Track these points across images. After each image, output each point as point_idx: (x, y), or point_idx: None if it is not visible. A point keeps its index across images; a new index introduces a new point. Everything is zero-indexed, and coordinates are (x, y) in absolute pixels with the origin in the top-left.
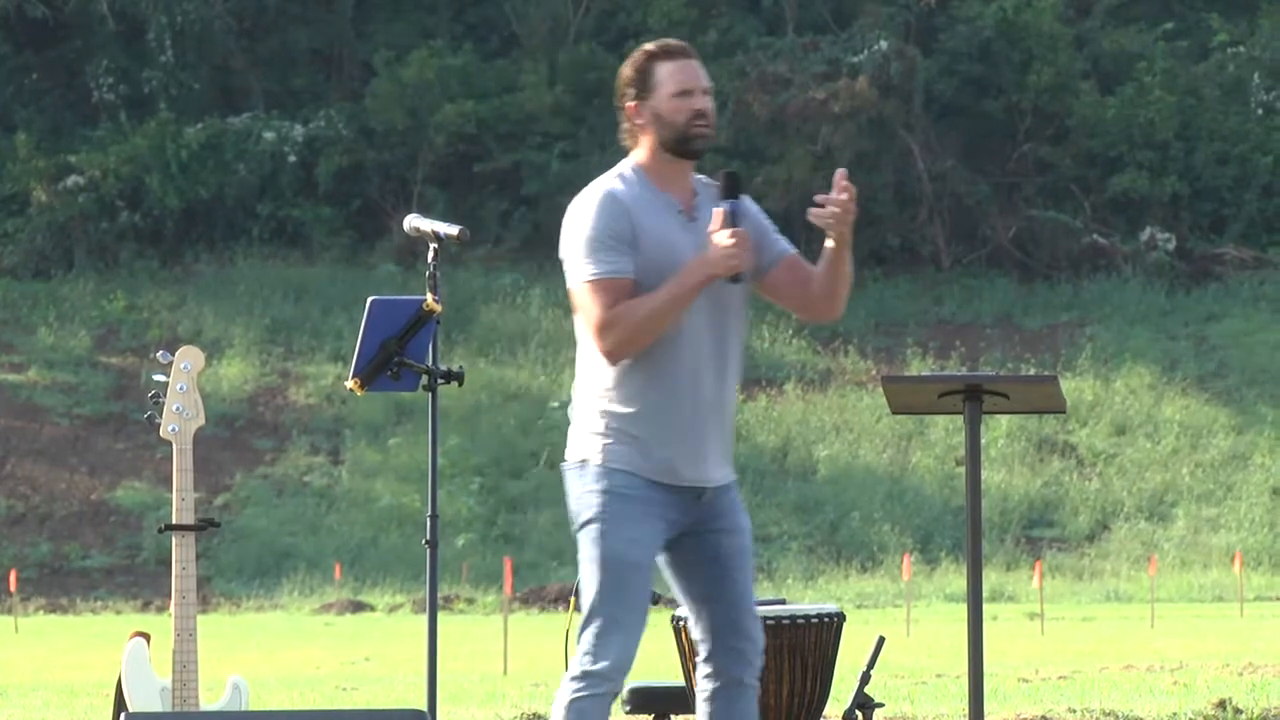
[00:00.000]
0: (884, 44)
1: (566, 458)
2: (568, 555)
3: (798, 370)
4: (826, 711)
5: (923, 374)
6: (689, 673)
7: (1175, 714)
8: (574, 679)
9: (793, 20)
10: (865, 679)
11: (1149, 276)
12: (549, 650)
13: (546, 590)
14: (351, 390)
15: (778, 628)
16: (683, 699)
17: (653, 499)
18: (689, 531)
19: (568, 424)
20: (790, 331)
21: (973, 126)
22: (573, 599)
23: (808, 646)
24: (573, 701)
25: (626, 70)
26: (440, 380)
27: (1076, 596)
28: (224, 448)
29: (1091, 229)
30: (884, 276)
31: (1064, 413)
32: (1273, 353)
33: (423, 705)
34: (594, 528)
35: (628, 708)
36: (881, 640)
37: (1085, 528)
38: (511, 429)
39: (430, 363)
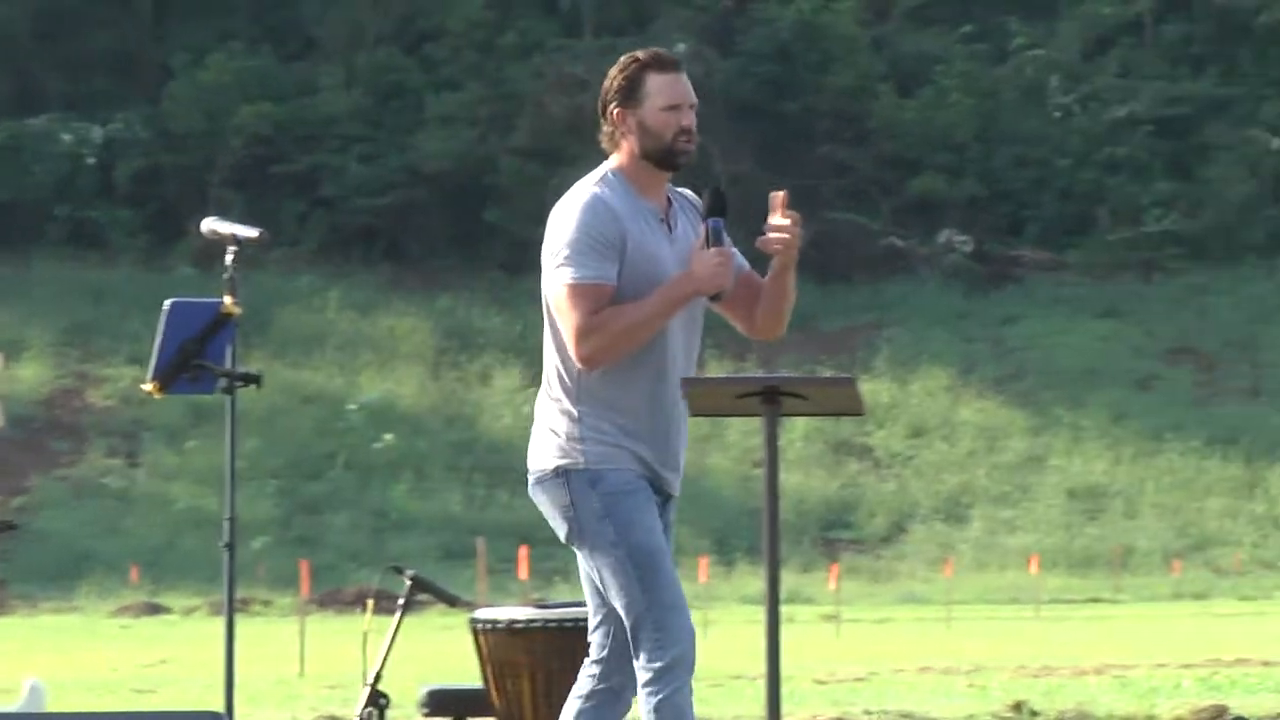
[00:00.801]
0: (682, 46)
1: (538, 468)
2: (365, 557)
3: None
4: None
5: (720, 376)
6: (487, 676)
7: (971, 715)
8: (651, 682)
9: (591, 22)
10: None
11: (946, 279)
12: (345, 652)
13: (343, 592)
14: (150, 393)
15: (575, 631)
16: (481, 701)
17: (646, 490)
18: None
19: (364, 426)
20: None
21: (771, 128)
22: (370, 601)
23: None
24: (663, 702)
25: (615, 76)
26: (238, 383)
27: (873, 598)
28: (21, 450)
29: (889, 231)
30: None
31: (862, 415)
32: (1069, 355)
33: (220, 707)
34: (606, 531)
35: (426, 710)
36: None
37: (882, 529)
38: (308, 431)
39: (228, 365)
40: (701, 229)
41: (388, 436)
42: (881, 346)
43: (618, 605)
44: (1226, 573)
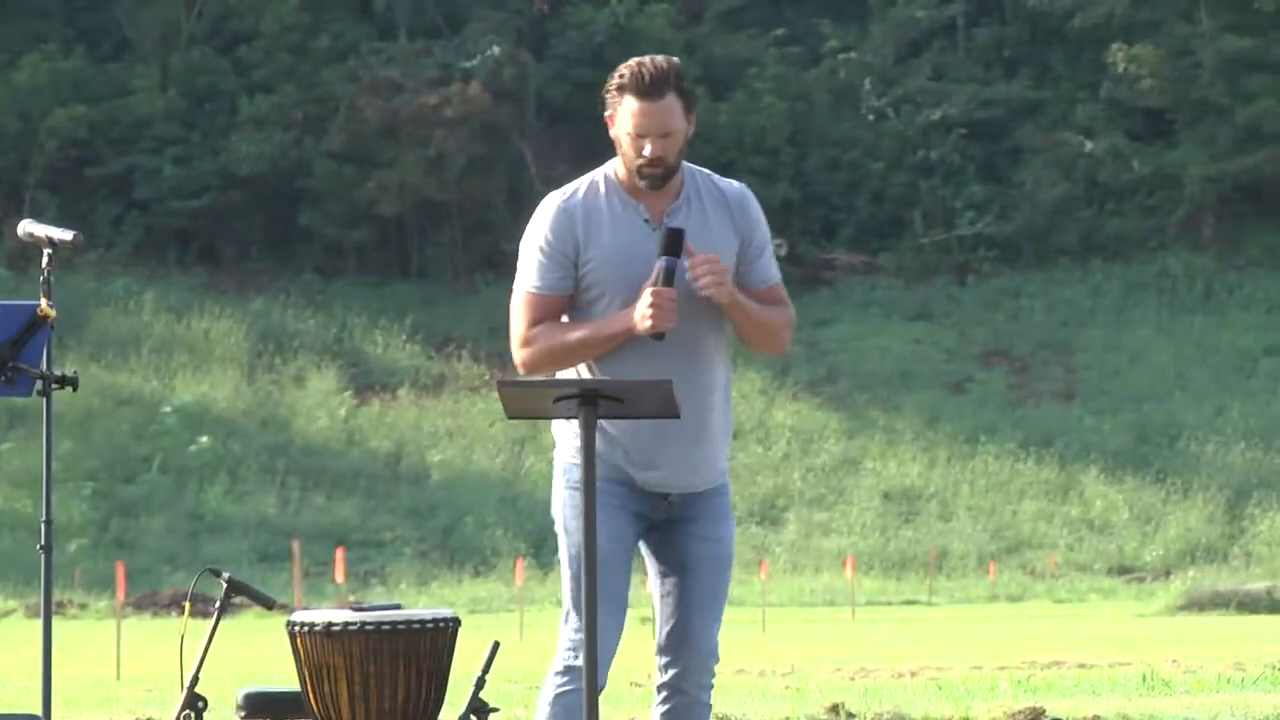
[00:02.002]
0: (496, 49)
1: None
2: (181, 560)
3: (411, 375)
4: (441, 717)
5: (539, 378)
6: (304, 678)
7: (788, 718)
8: (558, 674)
9: (405, 25)
10: (480, 684)
11: None
12: (162, 655)
13: (159, 595)
14: None
15: (392, 633)
16: (298, 704)
17: (617, 493)
18: (659, 528)
19: (180, 429)
20: (404, 336)
21: (585, 132)
22: (187, 604)
23: (422, 652)
24: (558, 697)
25: (606, 88)
26: (54, 385)
27: None
28: None
29: None
30: (497, 281)
31: (677, 417)
32: (883, 357)
33: (38, 711)
34: (563, 524)
35: (243, 712)
36: (496, 645)
37: None
38: (124, 434)
39: (44, 367)
40: (656, 268)
41: (203, 439)
42: None
43: (563, 593)
44: (1041, 575)
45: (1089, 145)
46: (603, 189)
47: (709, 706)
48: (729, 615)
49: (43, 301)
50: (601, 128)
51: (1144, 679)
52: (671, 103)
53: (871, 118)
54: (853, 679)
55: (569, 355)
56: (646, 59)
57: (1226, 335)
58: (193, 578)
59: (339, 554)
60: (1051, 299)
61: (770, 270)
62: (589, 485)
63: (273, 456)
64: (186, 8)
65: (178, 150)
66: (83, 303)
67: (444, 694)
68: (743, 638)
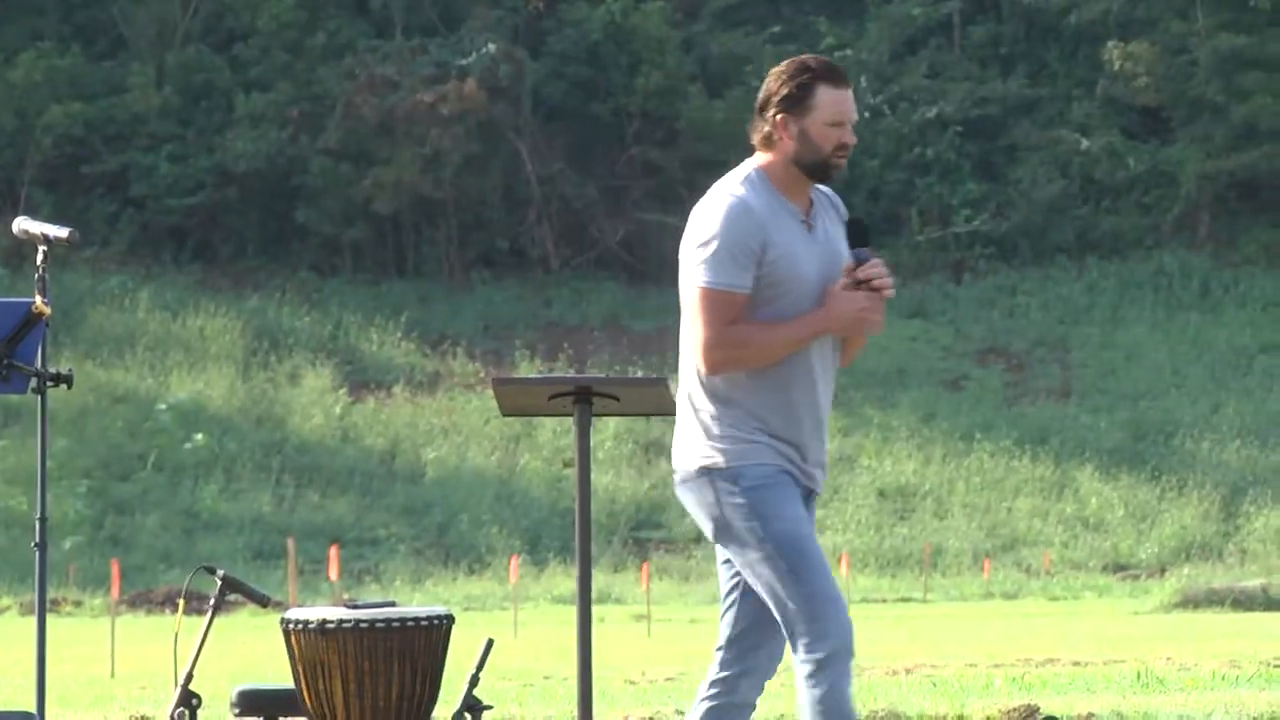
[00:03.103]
0: (492, 47)
1: (682, 468)
2: (176, 558)
3: (406, 373)
4: (435, 714)
5: (533, 376)
6: (299, 676)
7: (782, 715)
8: (813, 674)
9: (401, 23)
10: (474, 681)
11: None
12: (157, 653)
13: (154, 593)
14: None
15: (386, 631)
16: (292, 701)
17: (787, 480)
18: None
19: (175, 427)
20: (399, 334)
21: (581, 129)
22: (181, 601)
23: (417, 649)
24: (827, 694)
25: (784, 83)
26: (49, 383)
27: (684, 598)
28: None
29: None
30: (492, 279)
31: (673, 415)
32: (879, 355)
33: (32, 708)
34: (753, 526)
35: (237, 710)
36: (490, 642)
37: (692, 530)
38: (119, 431)
39: (39, 365)
40: (848, 266)
41: (198, 437)
42: None
43: (769, 599)
44: (1036, 573)
45: (1085, 143)
46: (759, 186)
47: (753, 708)
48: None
49: (38, 299)
50: (599, 124)
51: (1139, 676)
52: (852, 95)
53: (868, 115)
54: None
55: (762, 357)
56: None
57: (1222, 333)
58: (187, 575)
59: (333, 552)
60: (1047, 296)
61: None
62: (584, 482)
63: (268, 454)
64: (182, 5)
65: (173, 148)
66: (78, 300)
67: (438, 691)
68: None
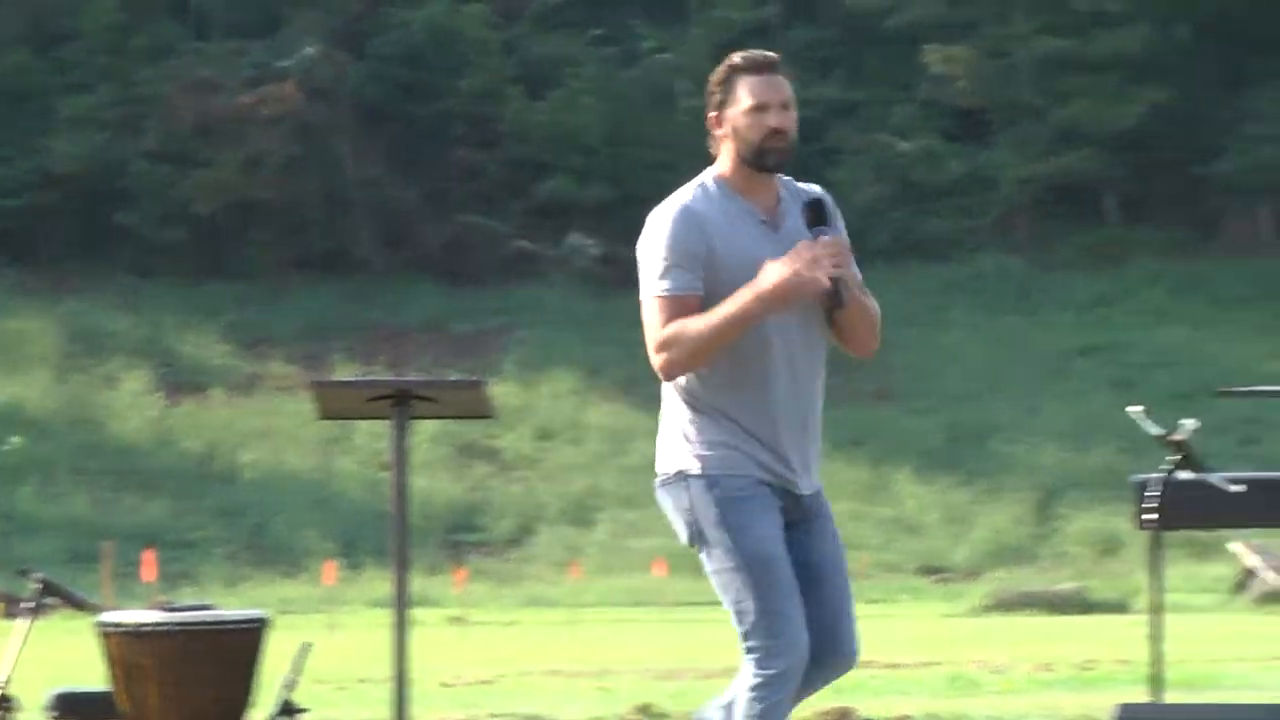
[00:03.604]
0: (313, 49)
1: (661, 470)
2: None
3: (223, 375)
4: (251, 717)
5: (352, 379)
6: (115, 679)
7: (598, 718)
8: (759, 688)
9: (222, 24)
10: (290, 685)
11: (575, 282)
12: None
13: None
14: None
15: (202, 633)
16: (109, 704)
17: (764, 494)
18: (790, 526)
19: None
20: (217, 336)
21: (402, 131)
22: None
23: (232, 652)
24: (767, 711)
25: (712, 86)
26: None
27: (500, 600)
28: None
29: (519, 234)
30: (312, 282)
31: (492, 417)
32: None
33: None
34: (724, 537)
35: (54, 713)
36: (306, 646)
37: (509, 532)
38: None
39: None
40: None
41: (14, 439)
42: (510, 349)
43: (730, 608)
44: (853, 575)
45: (904, 146)
46: (713, 192)
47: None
48: (540, 615)
49: None
50: (420, 126)
51: (953, 679)
52: (783, 80)
53: (687, 118)
54: (663, 679)
55: (708, 341)
56: None
57: (1040, 336)
58: (3, 578)
59: (149, 554)
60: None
61: (856, 269)
62: (402, 485)
63: (84, 457)
64: (1, 7)
65: None
66: None
67: (254, 694)
68: (554, 638)
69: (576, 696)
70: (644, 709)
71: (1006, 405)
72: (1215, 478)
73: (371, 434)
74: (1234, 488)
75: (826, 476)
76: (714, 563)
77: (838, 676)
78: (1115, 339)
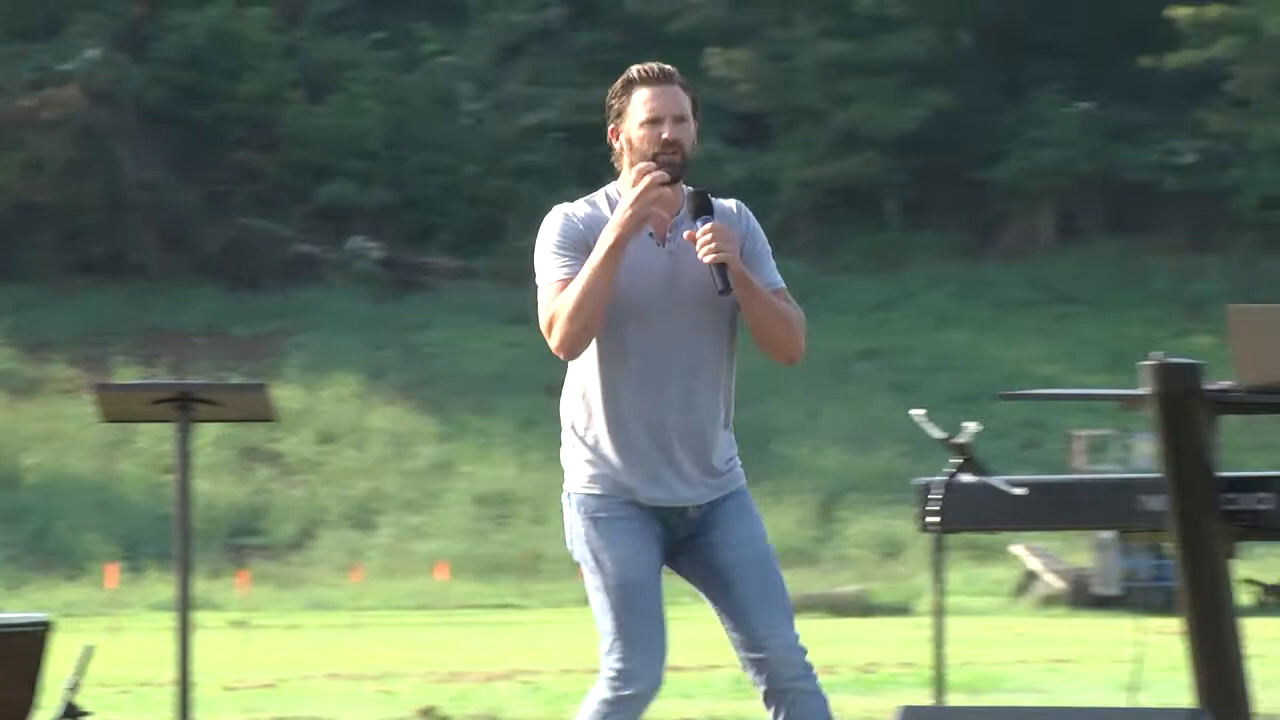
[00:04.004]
0: (94, 52)
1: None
2: None
3: (4, 379)
4: None
5: (135, 382)
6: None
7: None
8: (609, 704)
9: (2, 27)
10: (73, 688)
11: (357, 285)
12: None
13: None
14: None
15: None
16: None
17: (633, 515)
18: (684, 546)
19: None
20: None
21: (183, 135)
22: None
23: (13, 656)
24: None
25: (609, 99)
26: None
27: (282, 604)
28: None
29: (301, 238)
30: (93, 285)
31: (275, 420)
32: (478, 362)
33: None
34: (588, 556)
35: None
36: (89, 649)
37: (291, 535)
38: None
39: None
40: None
41: None
42: (292, 353)
43: (596, 621)
44: None
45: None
46: (606, 207)
47: (822, 696)
48: (322, 619)
49: None
50: (201, 130)
51: (735, 682)
52: (681, 92)
53: (470, 121)
54: (445, 682)
55: (584, 299)
56: None
57: (821, 339)
58: None
59: None
60: None
61: (767, 276)
62: (185, 488)
63: None
64: None
65: None
66: None
67: (37, 697)
68: (336, 641)
69: (359, 700)
70: (427, 712)
71: (787, 409)
72: (997, 481)
73: (154, 437)
74: (1016, 491)
75: None
76: (586, 577)
77: (787, 668)
78: (896, 342)
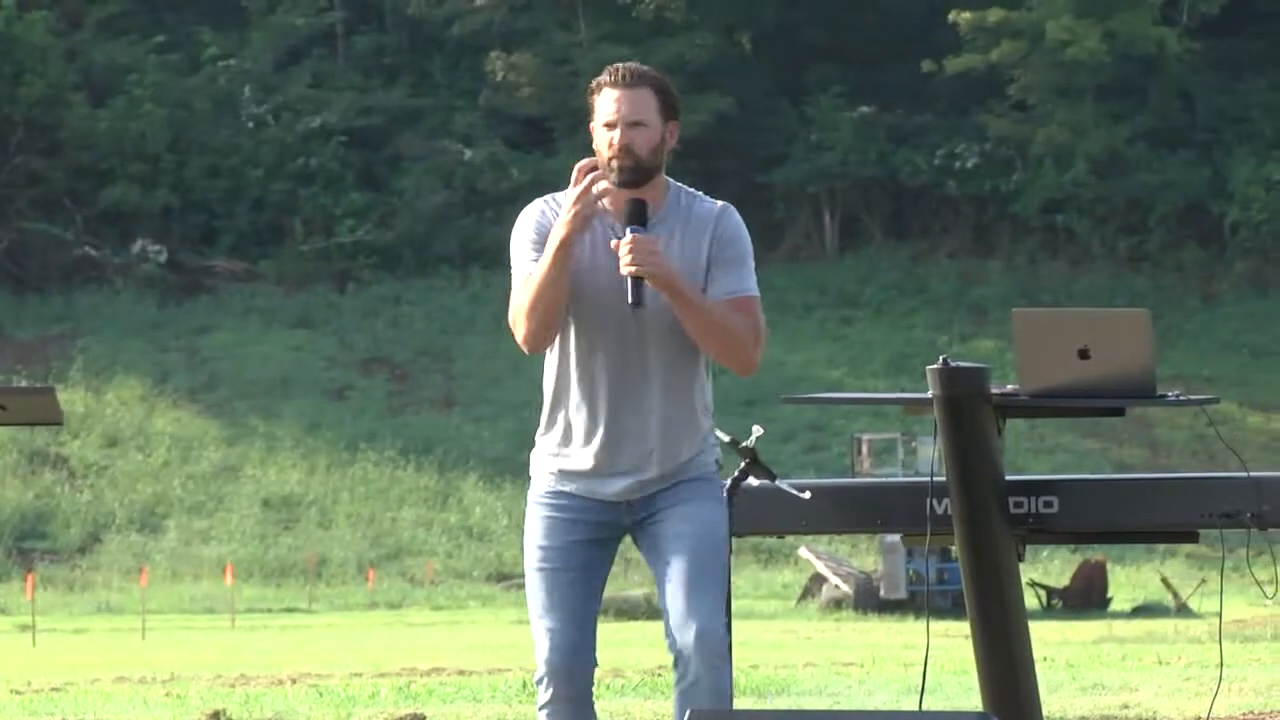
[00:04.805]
0: None
1: None
2: None
3: None
4: None
5: None
6: None
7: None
8: (538, 684)
9: None
10: None
11: (140, 288)
12: None
13: None
14: None
15: None
16: None
17: (563, 503)
18: (636, 531)
19: None
20: None
21: None
22: None
23: None
24: (539, 710)
25: (589, 97)
26: None
27: (69, 608)
28: None
29: (83, 241)
30: None
31: (61, 424)
32: (262, 364)
33: None
34: (523, 542)
35: None
36: None
37: (77, 539)
38: None
39: None
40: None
41: None
42: (76, 356)
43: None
44: (420, 582)
45: (468, 153)
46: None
47: (716, 690)
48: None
49: None
50: None
51: (524, 685)
52: (645, 95)
53: (251, 125)
54: (233, 686)
55: (537, 294)
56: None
57: None
58: None
59: None
60: (431, 307)
61: (732, 283)
62: None
63: None
64: None
65: None
66: None
67: None
68: (123, 645)
69: (148, 704)
70: (215, 716)
71: None
72: (783, 484)
73: None
74: (802, 494)
75: (394, 483)
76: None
77: (695, 654)
78: None
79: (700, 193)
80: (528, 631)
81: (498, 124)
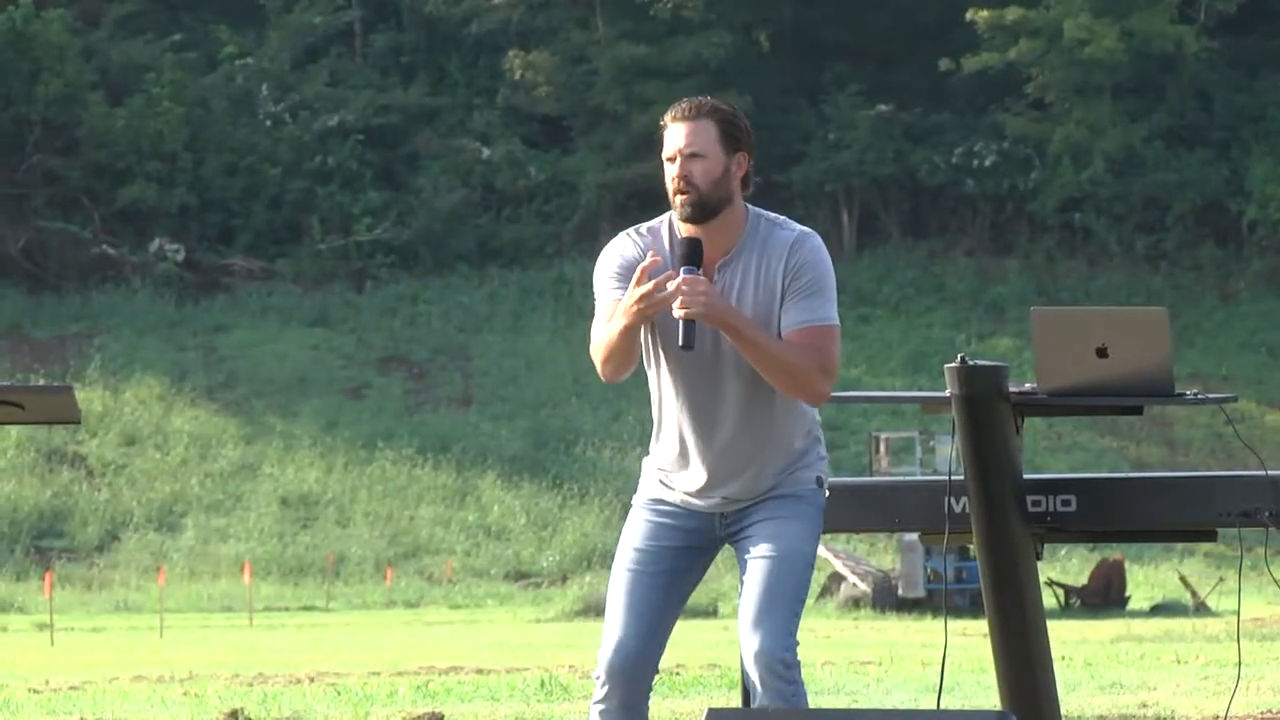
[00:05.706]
0: None
1: None
2: None
3: None
4: None
5: None
6: None
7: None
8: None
9: None
10: None
11: (158, 287)
12: None
13: None
14: None
15: None
16: None
17: (658, 510)
18: (730, 541)
19: None
20: None
21: None
22: None
23: None
24: (592, 708)
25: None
26: None
27: (86, 607)
28: None
29: (101, 240)
30: None
31: (79, 423)
32: (280, 363)
33: None
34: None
35: None
36: None
37: (95, 538)
38: None
39: None
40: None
41: None
42: (93, 355)
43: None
44: (438, 580)
45: (486, 152)
46: (665, 231)
47: (776, 688)
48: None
49: None
50: (1, 134)
51: (542, 684)
52: (705, 126)
53: (269, 123)
54: (251, 685)
55: (604, 349)
56: None
57: None
58: None
59: None
60: (449, 305)
61: (803, 313)
62: None
63: None
64: None
65: None
66: None
67: None
68: (141, 644)
69: (164, 702)
70: (233, 715)
71: (590, 411)
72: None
73: None
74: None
75: (412, 481)
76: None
77: (761, 674)
78: None
79: (783, 218)
80: (549, 630)
81: (515, 122)
